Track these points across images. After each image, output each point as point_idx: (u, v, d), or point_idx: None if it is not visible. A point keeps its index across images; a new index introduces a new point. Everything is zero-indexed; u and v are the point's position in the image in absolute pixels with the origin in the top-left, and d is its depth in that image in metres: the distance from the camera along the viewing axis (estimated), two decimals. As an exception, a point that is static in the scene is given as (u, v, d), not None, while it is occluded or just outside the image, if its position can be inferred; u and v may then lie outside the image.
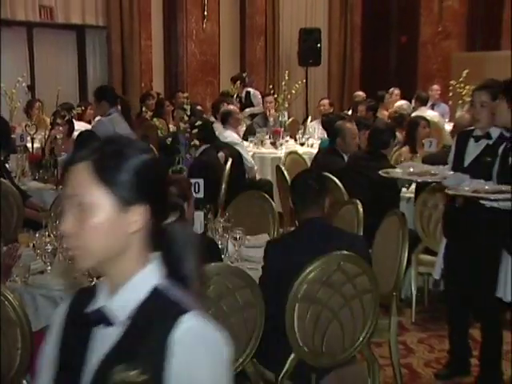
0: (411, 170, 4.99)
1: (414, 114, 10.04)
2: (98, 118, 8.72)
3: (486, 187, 4.41)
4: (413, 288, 6.25)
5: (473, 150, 4.88)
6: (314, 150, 9.21)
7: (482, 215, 4.65)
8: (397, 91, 12.79)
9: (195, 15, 13.71)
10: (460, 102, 10.92)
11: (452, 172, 4.78)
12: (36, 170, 7.82)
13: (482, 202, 4.50)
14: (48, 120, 8.81)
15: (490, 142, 4.78)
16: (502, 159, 4.59)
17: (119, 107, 8.43)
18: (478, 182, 4.51)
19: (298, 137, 10.47)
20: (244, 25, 14.94)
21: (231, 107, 9.78)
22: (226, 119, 9.22)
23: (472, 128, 5.04)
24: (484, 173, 4.63)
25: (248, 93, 12.88)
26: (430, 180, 4.95)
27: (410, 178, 4.96)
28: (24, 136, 8.80)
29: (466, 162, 4.87)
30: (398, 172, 5.13)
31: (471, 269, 4.87)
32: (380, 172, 5.17)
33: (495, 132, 4.77)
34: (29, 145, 8.81)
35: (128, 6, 13.00)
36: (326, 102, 11.90)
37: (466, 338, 5.27)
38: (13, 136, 8.64)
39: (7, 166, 7.39)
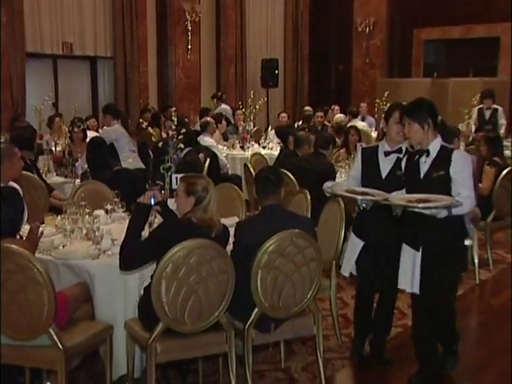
0: (354, 189, 4.33)
1: (348, 125, 10.06)
2: (104, 128, 8.69)
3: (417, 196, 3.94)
4: (348, 256, 6.26)
5: (385, 164, 4.39)
6: (274, 152, 9.30)
7: (385, 213, 4.25)
8: (337, 107, 12.84)
9: (181, 48, 13.65)
10: (383, 115, 10.97)
11: (394, 194, 4.13)
12: (58, 167, 7.79)
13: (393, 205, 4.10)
14: (66, 129, 8.76)
15: (401, 156, 4.31)
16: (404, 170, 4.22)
17: (119, 120, 8.42)
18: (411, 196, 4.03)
19: (261, 142, 10.52)
20: (219, 55, 14.89)
21: (208, 119, 9.75)
22: (205, 127, 9.17)
23: (376, 144, 4.73)
24: (398, 184, 4.21)
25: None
26: (371, 199, 4.15)
27: (352, 195, 4.24)
28: (49, 141, 8.77)
29: (383, 175, 4.38)
30: (338, 189, 4.45)
31: (377, 262, 4.42)
32: (324, 188, 4.58)
33: (404, 147, 4.32)
34: (53, 148, 8.77)
35: (130, 41, 12.96)
36: (284, 114, 12.08)
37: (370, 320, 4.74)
38: (40, 142, 8.59)
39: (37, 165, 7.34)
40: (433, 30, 15.71)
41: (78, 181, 6.94)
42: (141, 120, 7.45)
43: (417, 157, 4.06)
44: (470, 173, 4.01)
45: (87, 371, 4.33)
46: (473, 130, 10.72)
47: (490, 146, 6.96)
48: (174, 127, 5.36)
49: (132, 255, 3.82)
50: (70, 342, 3.67)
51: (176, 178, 5.02)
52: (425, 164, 4.03)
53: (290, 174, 6.31)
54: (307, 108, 13.06)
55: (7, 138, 7.74)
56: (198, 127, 9.81)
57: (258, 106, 11.82)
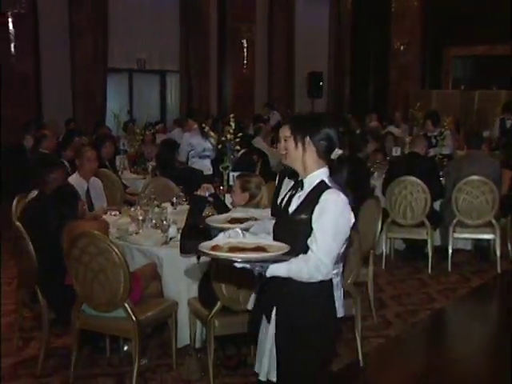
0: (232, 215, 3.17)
1: (385, 131, 9.93)
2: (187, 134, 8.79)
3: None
4: (384, 247, 6.20)
5: (285, 186, 3.49)
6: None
7: None
8: (374, 115, 12.67)
9: (238, 62, 13.68)
10: (415, 123, 10.79)
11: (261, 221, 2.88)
12: (132, 166, 7.88)
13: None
14: (139, 132, 8.86)
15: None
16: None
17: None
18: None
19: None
20: (271, 69, 14.88)
21: (262, 124, 9.72)
22: (258, 132, 9.17)
23: None
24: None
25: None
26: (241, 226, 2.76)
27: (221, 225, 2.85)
28: (125, 143, 8.87)
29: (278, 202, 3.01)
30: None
31: None
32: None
33: None
34: (127, 149, 8.88)
35: (194, 57, 13.07)
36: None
37: None
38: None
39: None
40: (460, 47, 15.67)
41: (148, 177, 7.03)
42: (203, 125, 7.50)
43: (294, 190, 2.59)
44: (334, 224, 2.37)
45: (156, 340, 4.39)
46: (495, 137, 10.47)
47: (507, 151, 6.81)
48: (231, 131, 5.36)
49: (190, 241, 3.84)
50: (142, 315, 3.73)
51: (233, 175, 5.03)
52: (298, 200, 2.52)
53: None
54: (349, 116, 12.94)
55: (85, 140, 7.86)
56: (251, 131, 9.81)
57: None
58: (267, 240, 2.50)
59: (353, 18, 16.57)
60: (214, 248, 2.36)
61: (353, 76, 16.85)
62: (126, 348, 4.20)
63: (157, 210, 4.81)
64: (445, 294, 5.52)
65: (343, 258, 2.54)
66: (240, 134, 5.49)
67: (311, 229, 2.39)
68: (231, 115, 5.38)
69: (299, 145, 2.47)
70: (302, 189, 2.51)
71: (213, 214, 4.16)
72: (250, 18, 13.61)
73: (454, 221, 6.08)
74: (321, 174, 2.48)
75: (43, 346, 3.99)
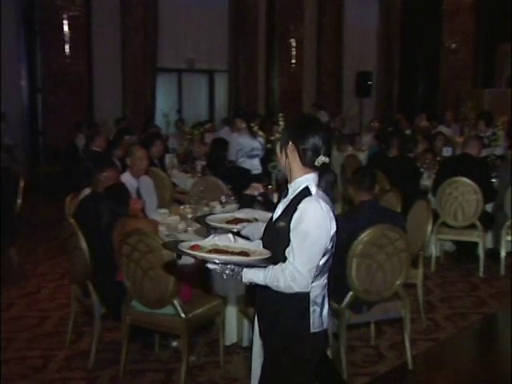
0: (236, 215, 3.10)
1: (434, 131, 9.76)
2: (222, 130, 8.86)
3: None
4: (433, 249, 6.10)
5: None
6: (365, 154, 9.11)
7: None
8: (424, 115, 12.46)
9: (286, 62, 13.67)
10: (467, 123, 10.57)
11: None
12: (181, 164, 7.96)
13: None
14: (188, 131, 8.97)
15: None
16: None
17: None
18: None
19: (355, 144, 10.26)
20: (319, 68, 14.81)
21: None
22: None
23: None
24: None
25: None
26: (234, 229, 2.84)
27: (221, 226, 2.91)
28: (174, 142, 8.98)
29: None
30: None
31: None
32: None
33: None
34: (177, 148, 8.99)
35: (242, 56, 13.15)
36: (376, 121, 11.69)
37: None
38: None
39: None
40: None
41: (197, 176, 7.09)
42: (251, 124, 7.52)
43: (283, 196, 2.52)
44: (311, 234, 2.26)
45: (204, 338, 4.43)
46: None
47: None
48: (280, 130, 5.36)
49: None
50: (190, 312, 3.77)
51: (282, 174, 5.03)
52: (282, 206, 2.45)
53: (382, 173, 6.20)
54: (398, 116, 12.76)
55: (135, 139, 7.97)
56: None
57: (352, 114, 11.67)
58: (255, 246, 2.43)
59: (402, 15, 16.33)
60: (194, 248, 2.34)
61: (402, 75, 16.61)
62: (174, 344, 4.26)
63: (206, 208, 4.85)
64: (497, 298, 5.39)
65: (327, 270, 2.42)
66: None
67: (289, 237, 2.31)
68: (280, 114, 5.38)
69: (283, 151, 2.43)
70: (286, 195, 2.44)
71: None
72: (299, 17, 13.58)
73: (507, 223, 5.93)
74: (306, 180, 2.37)
75: (95, 340, 4.08)
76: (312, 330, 2.36)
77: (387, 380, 3.99)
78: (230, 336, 4.22)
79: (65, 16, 9.63)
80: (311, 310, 2.36)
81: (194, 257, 2.31)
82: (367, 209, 4.00)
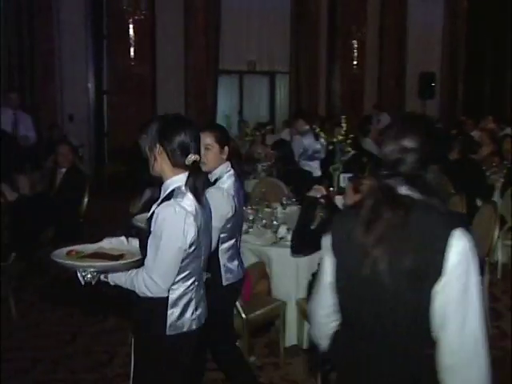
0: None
1: (502, 133, 9.46)
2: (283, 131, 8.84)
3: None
4: (500, 255, 5.91)
5: None
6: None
7: None
8: (490, 117, 12.09)
9: (348, 63, 13.53)
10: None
11: None
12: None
13: None
14: (249, 133, 9.00)
15: None
16: None
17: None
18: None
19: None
20: (381, 70, 14.61)
21: (371, 126, 9.56)
22: (367, 133, 9.02)
23: None
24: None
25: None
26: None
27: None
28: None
29: None
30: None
31: None
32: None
33: None
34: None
35: (304, 58, 13.11)
36: (439, 123, 11.46)
37: None
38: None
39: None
40: None
41: (258, 177, 7.11)
42: (314, 126, 7.48)
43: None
44: (162, 238, 2.25)
45: (263, 339, 4.44)
46: None
47: None
48: (343, 133, 5.32)
49: (302, 242, 3.86)
50: (251, 312, 3.79)
51: (344, 177, 4.99)
52: (153, 209, 2.41)
53: (446, 176, 6.04)
54: (462, 118, 12.44)
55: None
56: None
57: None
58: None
59: (468, 15, 15.90)
60: (69, 253, 2.39)
61: (467, 76, 16.16)
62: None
63: (267, 209, 4.86)
64: None
65: (197, 273, 2.42)
66: (351, 136, 5.43)
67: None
68: (343, 116, 5.34)
69: (152, 155, 2.38)
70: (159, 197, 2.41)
71: (324, 216, 4.16)
72: (361, 18, 13.43)
73: None
74: (174, 181, 2.36)
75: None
76: (168, 333, 2.36)
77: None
78: (290, 338, 4.21)
79: (130, 20, 9.86)
80: (169, 312, 2.37)
81: (66, 265, 2.33)
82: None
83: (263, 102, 13.56)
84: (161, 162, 2.36)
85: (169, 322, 2.36)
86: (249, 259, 4.26)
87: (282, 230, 4.41)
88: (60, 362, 4.17)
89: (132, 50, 9.96)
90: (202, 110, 11.57)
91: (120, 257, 2.39)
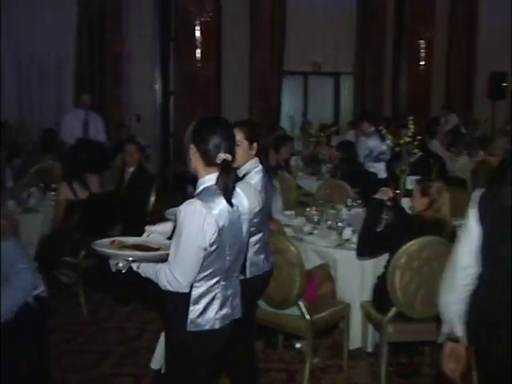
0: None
1: None
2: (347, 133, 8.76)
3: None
4: None
5: None
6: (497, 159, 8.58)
7: None
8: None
9: (415, 62, 13.19)
10: None
11: None
12: (306, 166, 7.99)
13: None
14: (314, 134, 8.95)
15: None
16: None
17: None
18: None
19: (487, 148, 9.68)
20: (449, 69, 14.24)
21: (438, 127, 9.33)
22: (435, 134, 8.83)
23: None
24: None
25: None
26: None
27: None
28: (299, 144, 9.03)
29: None
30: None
31: None
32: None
33: None
34: (302, 150, 9.01)
35: (369, 58, 12.98)
36: (510, 124, 11.03)
37: None
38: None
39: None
40: None
41: (322, 178, 7.08)
42: (380, 127, 7.37)
43: None
44: (183, 236, 2.30)
45: (327, 341, 4.41)
46: None
47: None
48: (410, 134, 5.22)
49: (367, 244, 3.83)
50: (315, 314, 3.77)
51: (411, 179, 4.91)
52: None
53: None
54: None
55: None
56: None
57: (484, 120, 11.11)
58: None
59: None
60: (112, 242, 2.48)
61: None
62: (297, 346, 4.27)
63: (332, 211, 4.83)
64: None
65: (223, 272, 2.42)
66: (419, 137, 5.32)
67: None
68: (410, 118, 5.23)
69: (188, 156, 2.46)
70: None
71: (389, 218, 4.11)
72: (429, 18, 13.12)
73: None
74: (206, 180, 2.42)
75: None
76: (189, 329, 2.38)
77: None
78: (354, 341, 4.17)
79: (197, 22, 9.99)
80: (190, 309, 2.39)
81: (100, 252, 2.42)
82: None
83: (328, 103, 13.50)
84: (195, 162, 2.45)
85: (190, 318, 2.39)
86: (313, 261, 4.26)
87: (348, 232, 4.37)
88: (127, 356, 4.27)
89: (198, 51, 10.09)
90: (266, 111, 11.61)
91: (157, 249, 2.45)
